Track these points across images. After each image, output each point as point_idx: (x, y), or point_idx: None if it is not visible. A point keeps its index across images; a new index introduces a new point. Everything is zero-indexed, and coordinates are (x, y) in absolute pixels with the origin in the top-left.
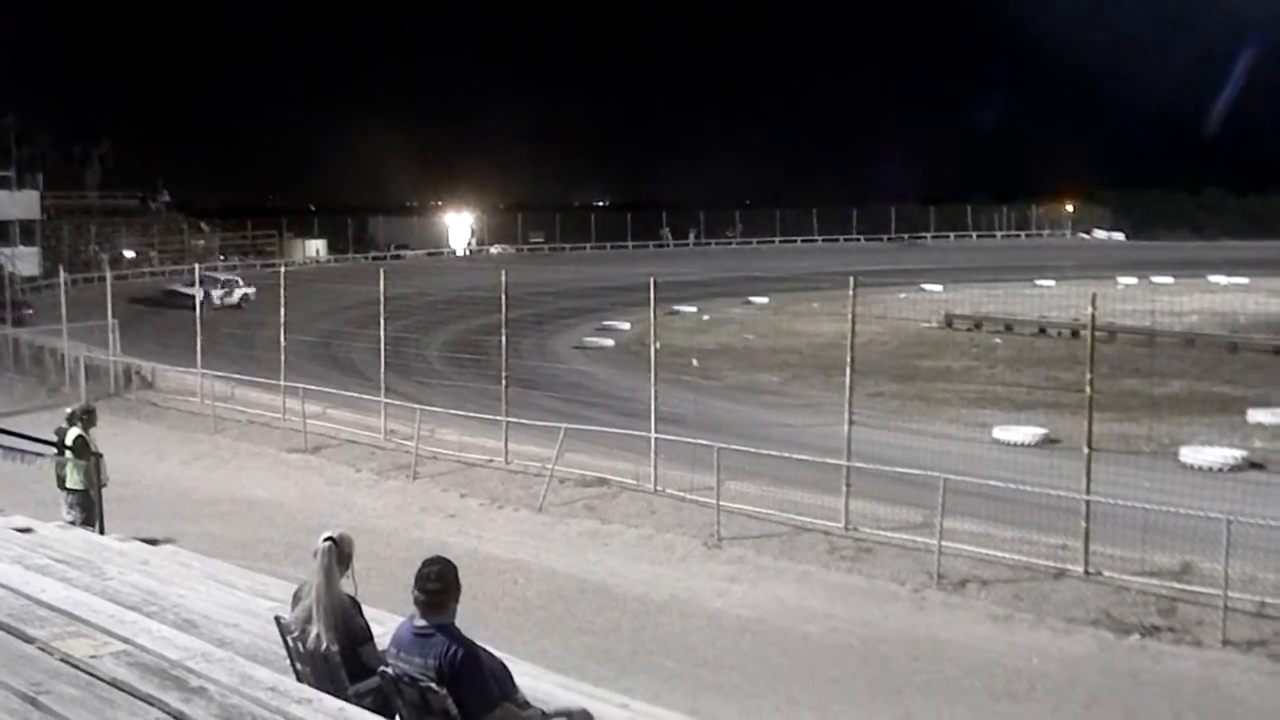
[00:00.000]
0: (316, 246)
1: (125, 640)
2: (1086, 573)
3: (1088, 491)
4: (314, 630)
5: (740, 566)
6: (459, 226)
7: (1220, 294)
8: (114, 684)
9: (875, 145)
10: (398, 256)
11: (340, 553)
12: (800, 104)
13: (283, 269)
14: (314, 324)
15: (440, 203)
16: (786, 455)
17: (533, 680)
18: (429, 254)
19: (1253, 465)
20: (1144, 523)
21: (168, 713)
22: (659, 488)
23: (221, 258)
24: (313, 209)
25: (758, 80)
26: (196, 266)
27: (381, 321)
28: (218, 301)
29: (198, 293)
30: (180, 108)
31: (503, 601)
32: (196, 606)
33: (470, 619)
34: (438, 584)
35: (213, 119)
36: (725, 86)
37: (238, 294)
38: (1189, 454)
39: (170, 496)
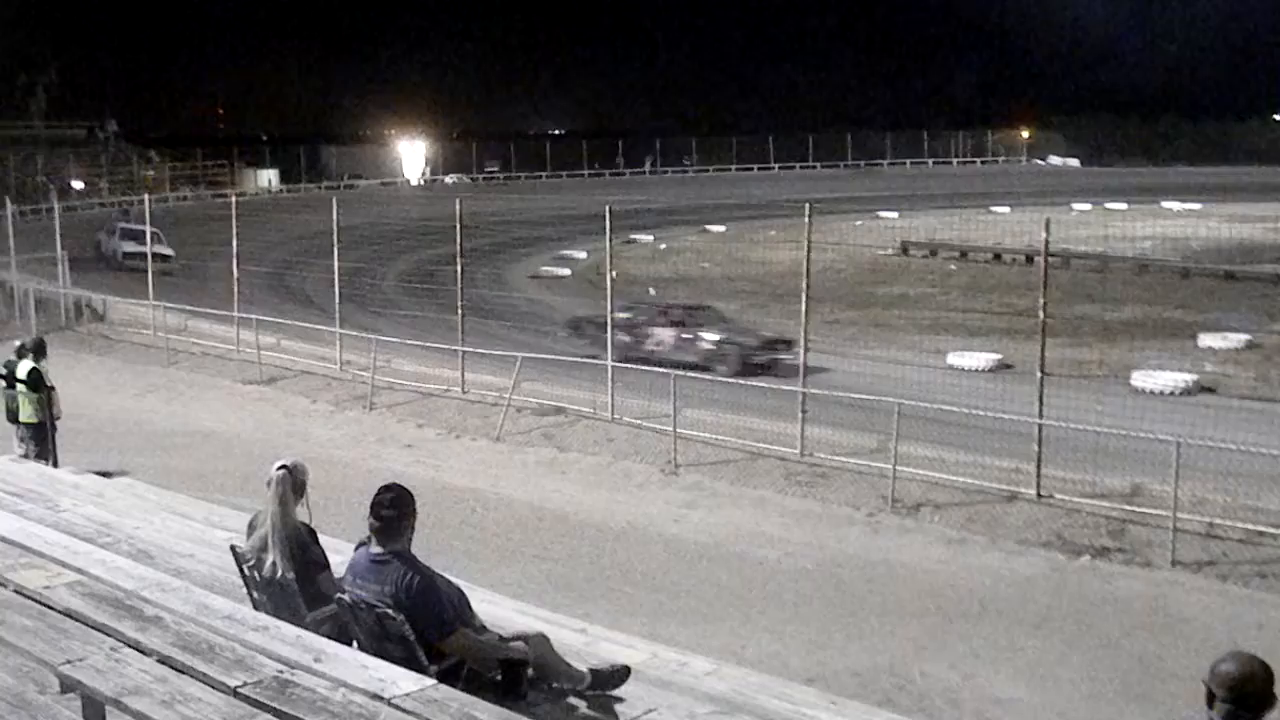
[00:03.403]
0: (269, 176)
1: (79, 571)
2: (1038, 495)
3: (1040, 415)
4: (270, 558)
5: (697, 493)
6: (413, 156)
7: (1173, 220)
8: (68, 614)
9: (831, 71)
10: (351, 186)
11: (294, 480)
12: (756, 30)
13: (234, 199)
14: (267, 254)
15: (393, 132)
16: (743, 382)
17: (491, 606)
18: (383, 184)
19: (1203, 389)
20: (1095, 446)
21: (123, 641)
22: (616, 416)
23: (172, 189)
24: (265, 138)
25: (713, 7)
26: (148, 198)
27: (334, 251)
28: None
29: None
30: (128, 36)
31: (461, 530)
32: (152, 537)
33: (428, 548)
34: (392, 510)
35: (162, 47)
36: (680, 13)
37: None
38: (1140, 378)
39: (124, 429)
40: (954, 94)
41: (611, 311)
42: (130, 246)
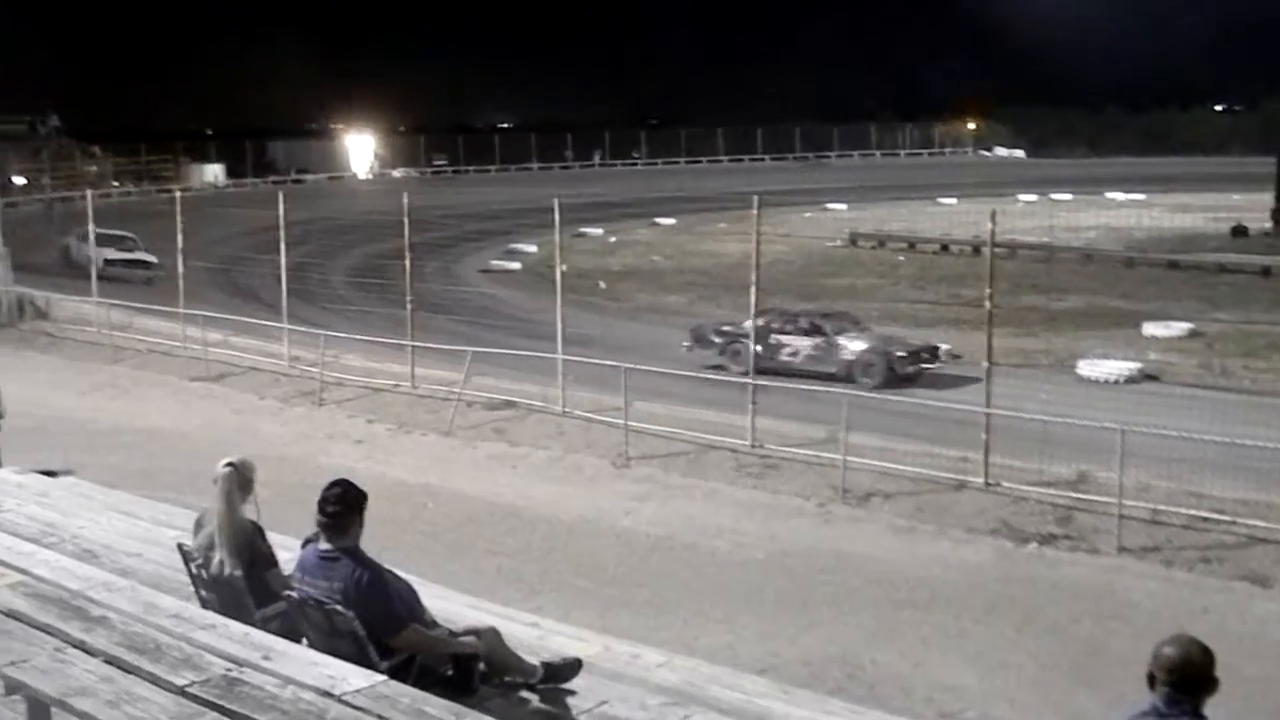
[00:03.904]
0: (214, 171)
1: (23, 572)
2: (986, 484)
3: (988, 405)
4: (217, 556)
5: (648, 485)
6: (360, 150)
7: (1118, 210)
8: (11, 615)
9: (779, 65)
10: (299, 181)
11: (240, 478)
12: (703, 25)
13: (178, 194)
14: (213, 250)
15: (341, 125)
16: (694, 375)
17: (442, 602)
18: (330, 178)
19: (1147, 377)
20: (1042, 434)
21: (69, 642)
22: (567, 409)
23: (115, 184)
24: (209, 133)
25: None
26: (90, 194)
27: (282, 246)
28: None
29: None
30: (69, 29)
31: (412, 525)
32: (97, 537)
33: (379, 543)
34: (336, 506)
35: (104, 41)
36: (627, 6)
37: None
38: (1086, 367)
39: (69, 428)
40: (901, 86)
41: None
42: (110, 254)
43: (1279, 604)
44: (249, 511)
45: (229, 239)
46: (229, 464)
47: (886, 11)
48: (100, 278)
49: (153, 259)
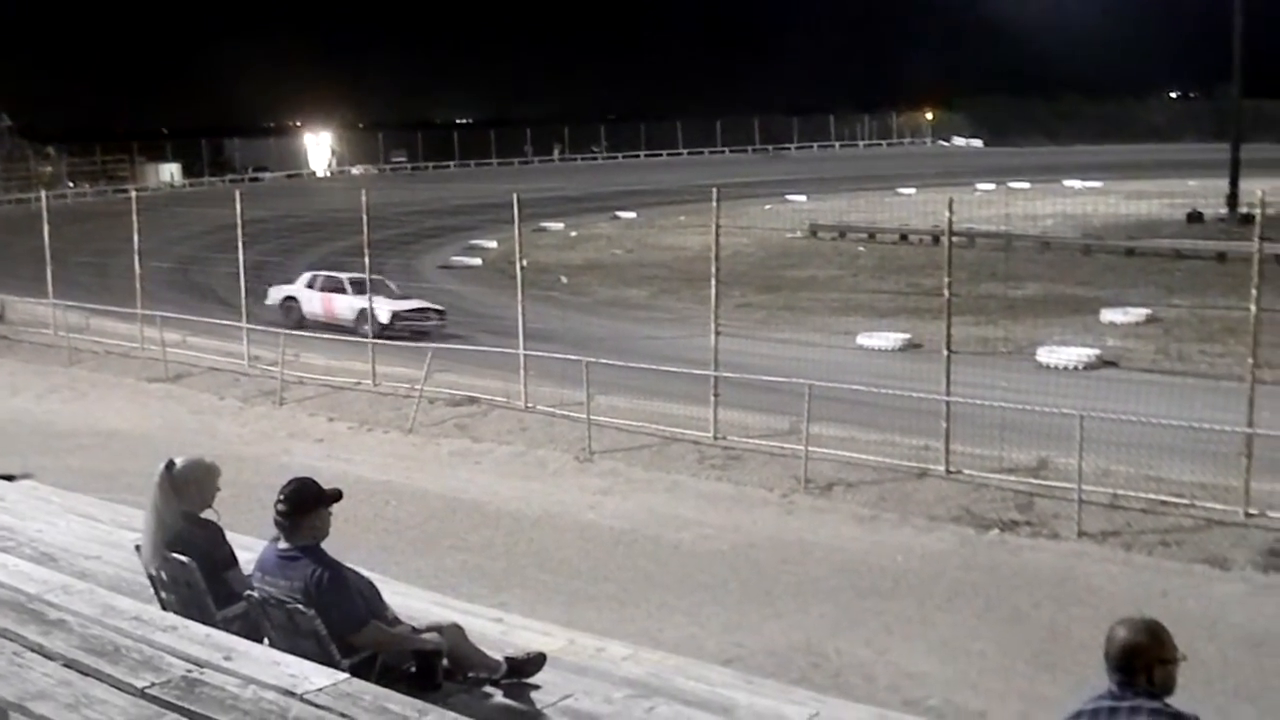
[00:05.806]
0: (171, 170)
1: None
2: (947, 472)
3: (948, 393)
4: (171, 557)
5: (612, 479)
6: (318, 147)
7: (1075, 198)
8: None
9: (736, 57)
10: (256, 179)
11: (172, 478)
12: (659, 17)
13: (134, 194)
14: (170, 249)
15: (298, 123)
16: (655, 368)
17: (406, 599)
18: (289, 176)
19: (1106, 363)
20: (1002, 421)
21: (26, 646)
22: (529, 404)
23: (70, 184)
24: (165, 132)
25: None
26: (45, 195)
27: (239, 245)
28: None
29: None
30: (19, 29)
31: (375, 523)
32: (56, 540)
33: (342, 542)
34: (287, 505)
35: (55, 40)
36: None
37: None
38: (1045, 354)
39: (26, 431)
40: (857, 77)
41: None
42: (397, 305)
43: (1237, 586)
44: (209, 513)
45: (187, 239)
46: (167, 464)
47: (844, 4)
48: (378, 337)
49: (439, 306)
